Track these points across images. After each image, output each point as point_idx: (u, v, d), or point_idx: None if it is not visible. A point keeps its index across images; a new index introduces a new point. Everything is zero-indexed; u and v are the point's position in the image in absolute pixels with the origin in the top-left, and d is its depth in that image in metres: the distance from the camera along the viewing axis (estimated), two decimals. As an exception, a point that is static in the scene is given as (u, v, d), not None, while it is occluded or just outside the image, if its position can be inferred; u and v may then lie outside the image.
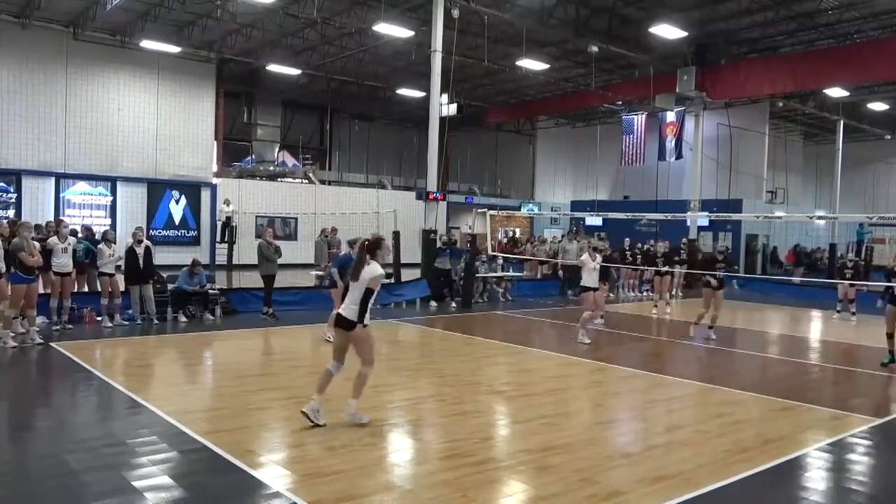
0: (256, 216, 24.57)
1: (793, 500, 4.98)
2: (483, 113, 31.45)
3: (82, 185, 22.17)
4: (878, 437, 6.48)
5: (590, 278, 11.40)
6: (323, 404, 6.16)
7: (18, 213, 20.08)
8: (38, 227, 13.39)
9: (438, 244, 17.17)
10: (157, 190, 23.53)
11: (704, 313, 12.01)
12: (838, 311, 16.29)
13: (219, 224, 23.35)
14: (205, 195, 24.44)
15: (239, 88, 27.88)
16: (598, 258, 11.77)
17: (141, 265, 11.89)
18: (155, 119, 23.48)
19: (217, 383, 8.51)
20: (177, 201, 23.96)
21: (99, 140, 22.37)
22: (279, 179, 28.57)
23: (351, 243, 10.46)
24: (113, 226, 21.10)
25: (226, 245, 22.78)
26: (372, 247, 6.21)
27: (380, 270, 6.11)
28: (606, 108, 27.30)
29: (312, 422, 6.08)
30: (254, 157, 28.83)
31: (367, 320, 6.09)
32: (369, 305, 6.08)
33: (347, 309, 6.12)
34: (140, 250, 11.91)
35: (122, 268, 12.03)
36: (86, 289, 12.82)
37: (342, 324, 6.13)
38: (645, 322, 14.83)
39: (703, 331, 12.05)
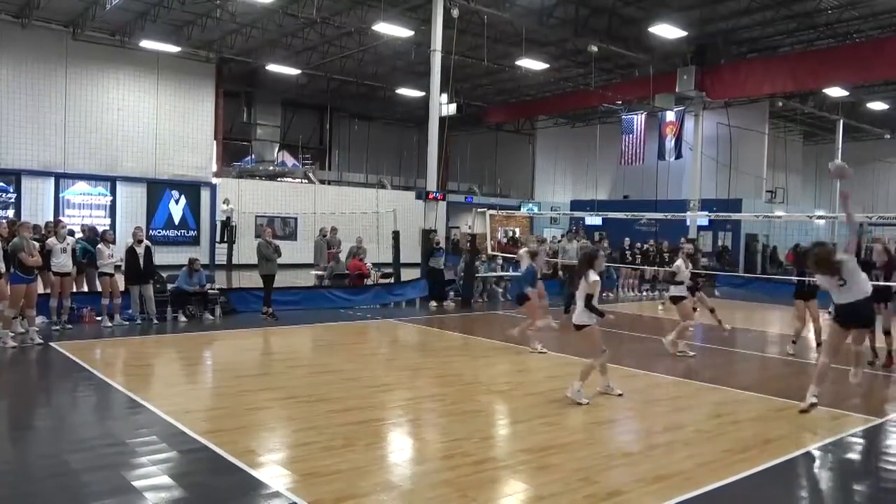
0: (256, 216, 24.57)
1: (793, 500, 4.98)
2: (483, 113, 31.45)
3: (82, 185, 22.18)
4: (878, 437, 6.48)
5: (682, 286, 10.67)
6: (582, 387, 7.24)
7: (18, 213, 20.08)
8: (36, 227, 13.40)
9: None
10: (157, 190, 23.54)
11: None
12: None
13: (218, 224, 23.34)
14: (204, 195, 24.45)
15: (239, 88, 27.89)
16: (690, 265, 11.05)
17: (141, 265, 11.89)
18: (155, 119, 23.48)
19: (217, 383, 8.50)
20: (176, 201, 23.97)
21: (99, 140, 22.38)
22: (279, 179, 28.57)
23: (533, 254, 11.51)
24: (112, 226, 21.11)
25: (225, 245, 22.78)
26: (590, 259, 7.46)
27: (594, 277, 7.25)
28: (606, 107, 27.29)
29: (578, 402, 7.11)
30: (253, 156, 28.82)
31: (590, 320, 7.27)
32: (592, 307, 7.22)
33: (578, 315, 7.35)
34: (140, 250, 11.91)
35: (122, 268, 12.03)
36: (85, 289, 12.82)
37: (576, 327, 7.44)
38: (646, 322, 14.83)
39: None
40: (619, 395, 7.53)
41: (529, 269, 11.09)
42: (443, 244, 18.28)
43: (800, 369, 10.03)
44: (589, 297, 7.22)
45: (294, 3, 18.89)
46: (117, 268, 11.95)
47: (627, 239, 19.46)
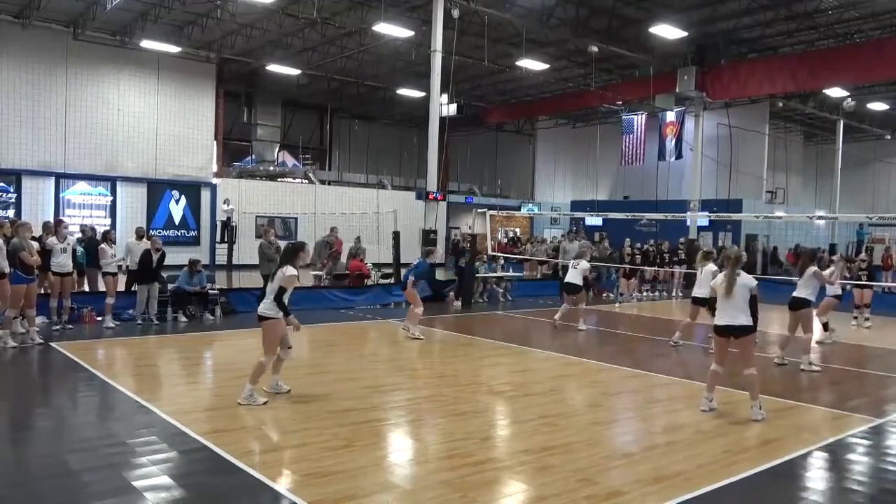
0: (256, 216, 24.56)
1: (793, 500, 4.98)
2: (483, 113, 31.45)
3: (82, 186, 22.18)
4: (878, 437, 6.49)
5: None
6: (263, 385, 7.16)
7: (18, 213, 20.08)
8: (46, 224, 13.36)
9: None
10: (157, 190, 23.54)
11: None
12: (855, 318, 14.71)
13: (219, 224, 23.35)
14: (205, 195, 24.45)
15: (239, 88, 27.88)
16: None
17: (154, 265, 11.94)
18: (155, 119, 23.49)
19: (217, 383, 8.50)
20: (177, 201, 23.97)
21: (99, 140, 22.38)
22: (279, 179, 28.57)
23: (429, 252, 13.04)
24: (113, 226, 21.11)
25: (226, 245, 22.78)
26: (295, 252, 7.10)
27: (292, 271, 6.92)
28: (606, 108, 27.28)
29: (253, 404, 6.77)
30: (254, 157, 28.83)
31: (276, 314, 6.91)
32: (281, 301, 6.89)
33: (264, 306, 6.96)
34: (156, 257, 11.96)
35: (123, 267, 12.04)
36: (86, 289, 12.82)
37: (260, 318, 6.99)
38: (646, 322, 14.82)
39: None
40: (288, 391, 7.25)
41: (421, 263, 12.18)
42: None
43: (798, 369, 10.03)
44: (282, 291, 6.85)
45: (294, 3, 18.88)
46: (119, 267, 11.96)
47: (628, 239, 19.46)
